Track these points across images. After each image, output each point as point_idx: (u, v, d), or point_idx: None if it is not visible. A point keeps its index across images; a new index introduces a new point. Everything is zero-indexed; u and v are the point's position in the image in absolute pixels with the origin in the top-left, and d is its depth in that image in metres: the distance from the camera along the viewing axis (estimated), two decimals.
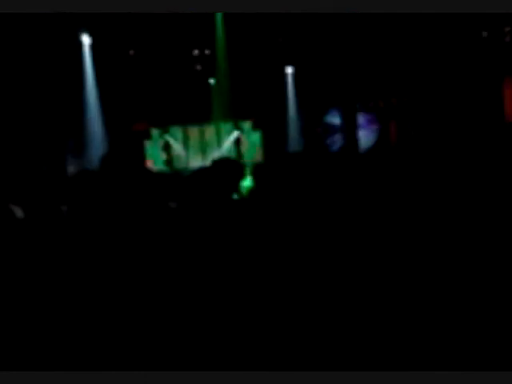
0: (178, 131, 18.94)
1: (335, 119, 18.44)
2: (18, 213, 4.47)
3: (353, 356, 3.06)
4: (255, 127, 18.97)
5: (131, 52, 17.75)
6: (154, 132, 18.83)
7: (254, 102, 18.37)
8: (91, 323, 3.17)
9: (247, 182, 5.11)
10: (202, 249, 3.44)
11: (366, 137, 18.28)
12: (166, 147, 18.86)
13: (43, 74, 16.00)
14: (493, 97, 16.58)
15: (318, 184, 4.51)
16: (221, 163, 4.18)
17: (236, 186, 4.10)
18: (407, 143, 16.88)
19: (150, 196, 4.04)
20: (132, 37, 16.93)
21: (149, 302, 3.24)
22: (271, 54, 17.84)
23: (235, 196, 4.27)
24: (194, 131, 19.00)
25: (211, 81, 18.85)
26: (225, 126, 18.96)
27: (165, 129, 18.85)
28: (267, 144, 18.70)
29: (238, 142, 18.98)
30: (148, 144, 18.77)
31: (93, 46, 16.71)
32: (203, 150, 18.94)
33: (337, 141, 18.41)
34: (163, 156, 18.83)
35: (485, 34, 16.60)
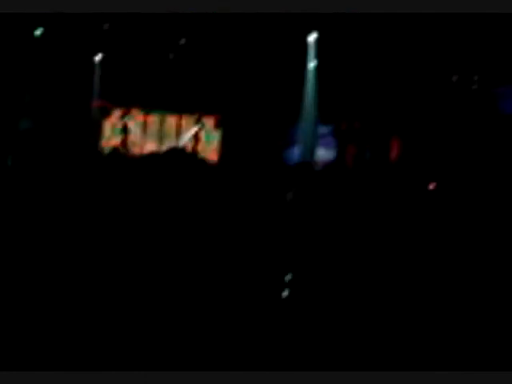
0: (138, 115, 18.77)
1: (298, 133, 18.51)
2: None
3: (353, 356, 3.08)
4: (218, 125, 18.89)
5: (106, 26, 17.48)
6: (115, 111, 18.62)
7: (218, 100, 18.28)
8: (92, 322, 3.16)
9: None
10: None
11: (324, 155, 18.41)
12: (124, 130, 18.68)
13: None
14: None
15: (271, 195, 4.48)
16: (175, 153, 4.11)
17: (187, 179, 4.03)
18: (363, 167, 17.02)
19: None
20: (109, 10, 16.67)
21: (150, 301, 3.24)
22: (241, 58, 17.77)
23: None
24: (154, 118, 18.85)
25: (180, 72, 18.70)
26: (187, 119, 18.85)
27: (126, 110, 18.66)
28: (225, 143, 18.64)
29: (196, 136, 18.90)
30: (106, 123, 18.57)
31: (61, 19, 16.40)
32: (160, 138, 18.80)
33: (295, 154, 18.48)
34: (119, 137, 18.64)
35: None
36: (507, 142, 14.30)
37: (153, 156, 4.05)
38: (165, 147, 18.26)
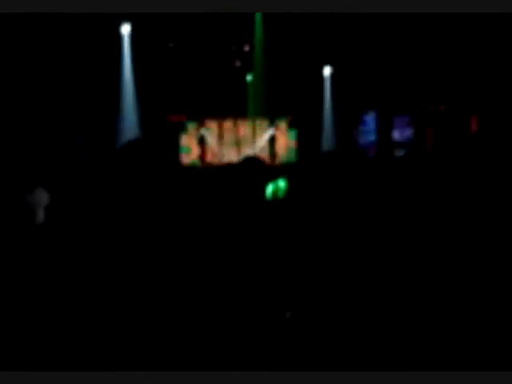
0: (213, 125, 18.95)
1: (371, 123, 18.30)
2: (44, 199, 4.46)
3: (353, 356, 3.06)
4: (291, 126, 18.90)
5: (170, 44, 17.78)
6: (190, 125, 18.88)
7: (290, 101, 18.30)
8: (93, 321, 3.18)
9: (282, 183, 5.04)
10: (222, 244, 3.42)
11: (401, 139, 18.17)
12: (201, 141, 18.89)
13: (82, 61, 16.15)
14: None
15: (350, 187, 4.46)
16: (247, 162, 4.15)
17: (259, 186, 4.06)
18: (444, 151, 16.69)
19: (176, 190, 4.02)
20: (172, 29, 16.98)
21: (157, 301, 3.25)
22: (310, 52, 17.74)
23: (267, 196, 4.23)
24: (229, 126, 18.99)
25: (248, 77, 18.80)
26: (260, 123, 18.92)
27: (200, 122, 18.88)
28: (301, 143, 18.63)
29: (272, 140, 18.94)
30: (183, 136, 18.82)
31: (132, 37, 16.79)
32: (237, 145, 18.93)
33: (370, 144, 18.29)
34: (197, 149, 18.87)
35: None
36: None
37: (228, 167, 4.09)
38: (242, 154, 18.43)
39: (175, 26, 16.76)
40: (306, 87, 18.23)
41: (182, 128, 18.80)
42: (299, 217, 3.89)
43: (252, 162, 4.05)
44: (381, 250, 3.68)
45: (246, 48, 18.29)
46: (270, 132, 18.91)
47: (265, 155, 18.30)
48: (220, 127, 18.96)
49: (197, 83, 18.30)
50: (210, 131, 18.89)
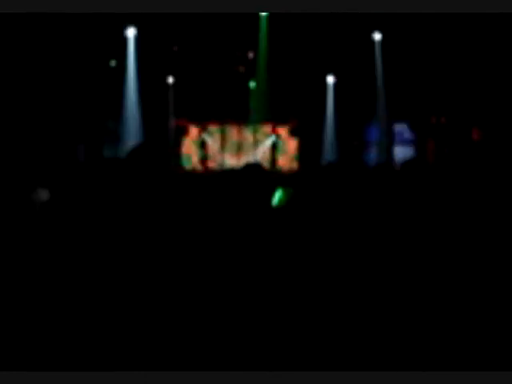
0: (216, 130, 18.97)
1: (372, 134, 18.32)
2: (44, 195, 4.48)
3: (353, 356, 3.05)
4: (292, 133, 18.91)
5: (175, 48, 17.82)
6: (192, 129, 18.90)
7: (293, 108, 18.32)
8: (93, 320, 3.17)
9: (279, 194, 5.04)
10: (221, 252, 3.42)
11: (402, 153, 18.16)
12: (203, 145, 18.91)
13: (87, 63, 16.20)
14: None
15: (352, 198, 4.46)
16: (248, 169, 4.14)
17: (261, 193, 4.05)
18: (444, 163, 16.69)
19: (173, 195, 4.02)
20: (177, 33, 17.02)
21: (155, 302, 3.24)
22: (314, 61, 17.78)
23: (273, 203, 4.23)
24: (232, 131, 19.02)
25: (252, 83, 18.82)
26: (263, 129, 18.94)
27: (203, 126, 18.90)
28: (303, 151, 18.64)
29: (273, 147, 18.95)
30: (185, 140, 18.84)
31: (138, 40, 16.83)
32: (239, 151, 18.95)
33: (372, 155, 18.30)
34: (199, 153, 18.88)
35: None
36: None
37: (230, 172, 4.08)
38: (243, 160, 18.45)
39: (180, 29, 16.79)
40: (309, 95, 18.24)
41: (183, 132, 18.82)
42: (301, 225, 3.89)
43: (254, 168, 4.03)
44: (382, 259, 3.68)
45: (250, 55, 18.32)
46: (271, 139, 18.93)
47: (266, 162, 18.32)
48: (222, 132, 18.98)
49: (200, 88, 18.33)
50: (212, 136, 18.90)
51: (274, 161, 18.85)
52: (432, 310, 3.26)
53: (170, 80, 18.45)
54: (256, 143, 18.93)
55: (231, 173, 4.08)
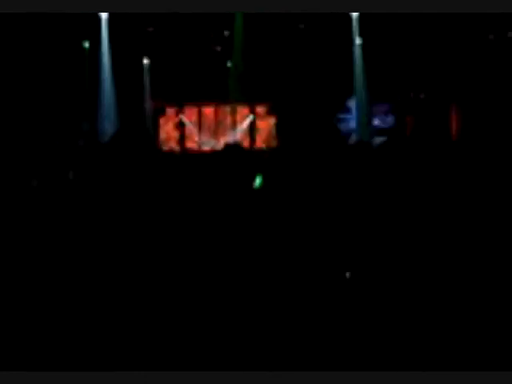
0: (193, 111, 18.89)
1: (354, 110, 18.35)
2: (34, 183, 4.45)
3: (353, 356, 3.05)
4: (270, 112, 18.88)
5: (150, 29, 17.65)
6: (169, 110, 18.80)
7: (271, 87, 18.26)
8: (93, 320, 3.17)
9: (259, 178, 5.02)
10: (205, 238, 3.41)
11: (381, 126, 18.27)
12: (180, 126, 18.83)
13: (61, 48, 16.02)
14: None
15: (332, 173, 4.45)
16: (231, 150, 4.12)
17: (242, 174, 4.04)
18: (423, 138, 16.78)
19: (158, 175, 3.99)
20: (152, 14, 16.83)
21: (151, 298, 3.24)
22: (291, 41, 17.70)
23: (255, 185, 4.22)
24: (208, 112, 18.94)
25: (229, 63, 18.70)
26: (240, 109, 18.88)
27: (180, 107, 18.81)
28: (281, 129, 18.60)
29: (252, 126, 18.91)
30: (162, 121, 18.75)
31: (110, 21, 16.64)
32: (217, 131, 18.90)
33: (351, 123, 18.35)
34: (176, 134, 18.80)
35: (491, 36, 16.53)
36: None
37: (212, 155, 4.06)
38: (222, 140, 18.39)
39: (155, 11, 16.62)
40: (288, 73, 18.17)
41: (160, 113, 18.72)
42: (281, 204, 3.88)
43: (234, 149, 4.02)
44: (362, 237, 3.68)
45: (226, 33, 18.19)
46: (249, 119, 18.89)
47: (244, 141, 18.29)
48: (199, 113, 18.91)
49: (176, 69, 18.19)
50: (189, 116, 18.82)
51: (252, 140, 18.81)
52: (430, 307, 3.27)
53: (146, 61, 18.29)
54: (234, 123, 18.87)
55: (213, 155, 4.05)
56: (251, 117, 18.85)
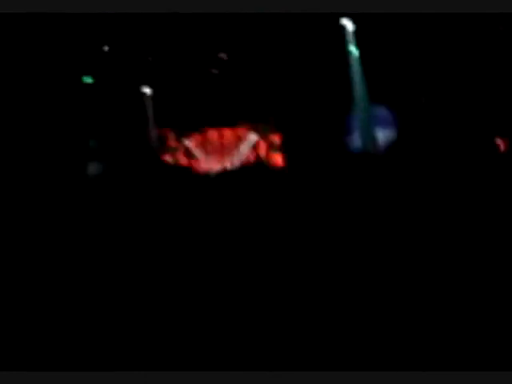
0: (196, 136, 18.95)
1: (355, 120, 18.34)
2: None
3: (353, 356, 3.07)
4: (274, 129, 18.89)
5: (150, 58, 17.77)
6: (172, 136, 18.84)
7: (273, 104, 18.27)
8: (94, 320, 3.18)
9: None
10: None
11: (383, 136, 18.24)
12: (185, 152, 18.88)
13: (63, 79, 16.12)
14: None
15: (341, 187, 4.52)
16: (254, 168, 4.20)
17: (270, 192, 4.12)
18: (427, 145, 16.78)
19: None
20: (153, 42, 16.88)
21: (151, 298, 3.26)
22: (289, 55, 17.74)
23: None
24: (212, 135, 19.00)
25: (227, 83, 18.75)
26: (243, 130, 18.93)
27: (183, 133, 18.86)
28: (287, 146, 18.58)
29: (256, 145, 18.95)
30: (166, 148, 18.79)
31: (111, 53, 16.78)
32: (221, 153, 18.94)
33: (355, 139, 18.33)
34: (183, 161, 18.84)
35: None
36: None
37: (224, 174, 4.15)
38: (227, 162, 18.45)
39: (152, 36, 16.71)
40: (288, 90, 18.22)
41: (164, 140, 18.72)
42: (292, 216, 3.95)
43: (260, 167, 4.10)
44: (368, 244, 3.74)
45: (223, 55, 18.28)
46: (252, 138, 18.95)
47: (249, 161, 18.33)
48: (203, 138, 18.96)
49: (175, 95, 18.25)
50: (193, 140, 18.85)
51: (258, 159, 18.85)
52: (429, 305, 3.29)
53: (147, 90, 18.38)
54: (238, 144, 18.93)
55: (227, 175, 4.14)
56: (253, 136, 18.91)
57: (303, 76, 17.99)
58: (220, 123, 18.75)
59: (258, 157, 18.89)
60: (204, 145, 18.99)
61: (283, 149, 18.73)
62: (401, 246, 3.74)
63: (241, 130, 18.95)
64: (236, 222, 4.00)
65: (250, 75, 17.76)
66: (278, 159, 18.68)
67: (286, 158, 18.37)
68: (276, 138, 18.90)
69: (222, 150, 18.99)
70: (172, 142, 18.96)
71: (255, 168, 4.58)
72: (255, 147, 18.98)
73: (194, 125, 18.77)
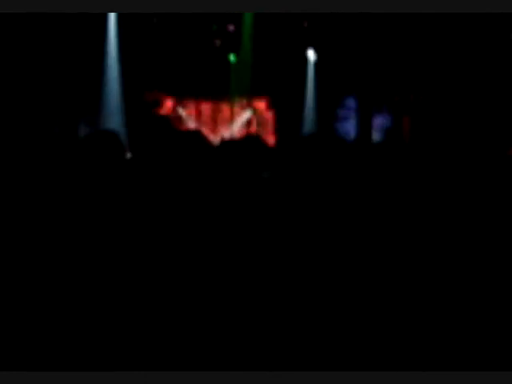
0: (191, 105, 18.86)
1: (352, 107, 18.35)
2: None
3: (353, 356, 3.05)
4: (270, 107, 18.86)
5: (154, 20, 17.61)
6: (167, 102, 18.74)
7: (272, 82, 18.24)
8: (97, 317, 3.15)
9: None
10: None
11: (375, 130, 18.28)
12: (178, 119, 18.80)
13: (66, 38, 16.00)
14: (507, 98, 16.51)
15: (327, 174, 4.49)
16: (248, 140, 4.15)
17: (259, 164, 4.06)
18: (421, 140, 16.82)
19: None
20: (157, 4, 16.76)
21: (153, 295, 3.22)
22: (295, 36, 17.69)
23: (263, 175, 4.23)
24: (207, 107, 18.93)
25: (231, 57, 18.66)
26: (239, 104, 18.86)
27: (178, 101, 18.78)
28: (281, 125, 18.59)
29: (249, 121, 18.91)
30: (159, 114, 18.69)
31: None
32: (215, 126, 18.88)
33: (350, 129, 18.35)
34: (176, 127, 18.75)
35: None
36: None
37: (227, 144, 4.08)
38: (220, 135, 18.40)
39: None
40: (290, 69, 18.16)
41: (157, 105, 18.63)
42: (282, 201, 3.91)
43: (254, 140, 4.04)
44: (361, 237, 3.71)
45: (231, 27, 18.16)
46: (247, 113, 18.90)
47: (241, 136, 18.26)
48: (198, 108, 18.88)
49: (175, 62, 18.13)
50: (187, 110, 18.78)
51: (249, 135, 18.79)
52: (429, 305, 3.27)
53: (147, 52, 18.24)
54: (232, 118, 18.88)
55: (231, 144, 4.07)
56: (250, 111, 18.86)
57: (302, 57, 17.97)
58: (216, 97, 18.65)
59: (250, 134, 18.84)
60: (198, 116, 18.91)
61: (276, 128, 18.71)
62: (399, 242, 3.72)
63: (237, 105, 18.87)
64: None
65: (260, 51, 17.67)
66: (270, 138, 18.65)
67: (278, 138, 18.36)
68: (270, 117, 18.86)
69: (215, 123, 18.92)
70: (165, 108, 18.83)
71: (246, 143, 4.51)
72: (249, 124, 18.93)
73: (190, 94, 18.65)
